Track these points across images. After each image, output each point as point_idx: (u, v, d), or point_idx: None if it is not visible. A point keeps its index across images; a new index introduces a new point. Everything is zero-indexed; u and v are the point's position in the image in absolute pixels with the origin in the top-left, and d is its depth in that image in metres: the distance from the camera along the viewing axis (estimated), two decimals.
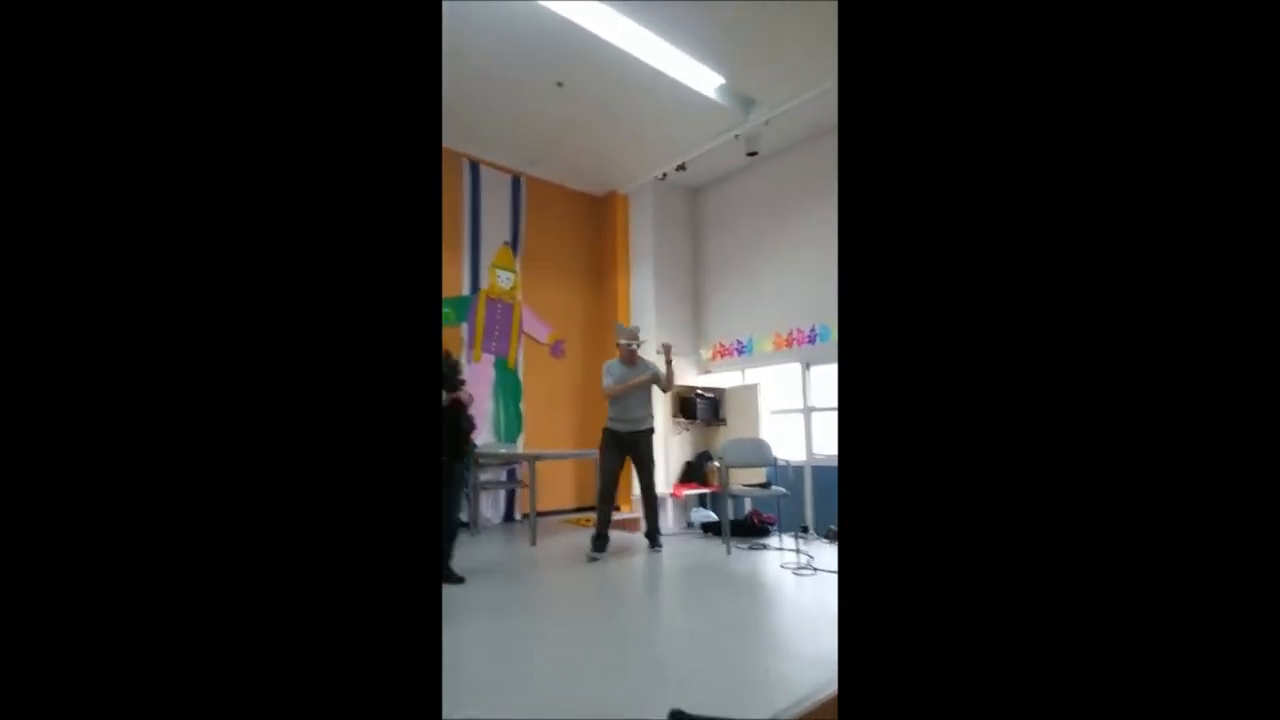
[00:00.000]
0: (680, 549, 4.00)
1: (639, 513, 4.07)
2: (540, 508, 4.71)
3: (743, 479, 4.48)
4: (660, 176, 5.50)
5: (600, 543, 3.64)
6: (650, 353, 4.27)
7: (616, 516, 4.49)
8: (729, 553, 3.82)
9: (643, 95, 4.29)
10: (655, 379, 3.79)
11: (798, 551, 3.77)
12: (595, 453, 4.77)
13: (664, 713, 1.47)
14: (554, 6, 3.40)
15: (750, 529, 4.39)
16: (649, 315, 5.71)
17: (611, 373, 3.77)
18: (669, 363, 3.77)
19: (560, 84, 4.19)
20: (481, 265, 5.23)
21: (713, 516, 4.93)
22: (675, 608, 2.86)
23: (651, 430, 3.81)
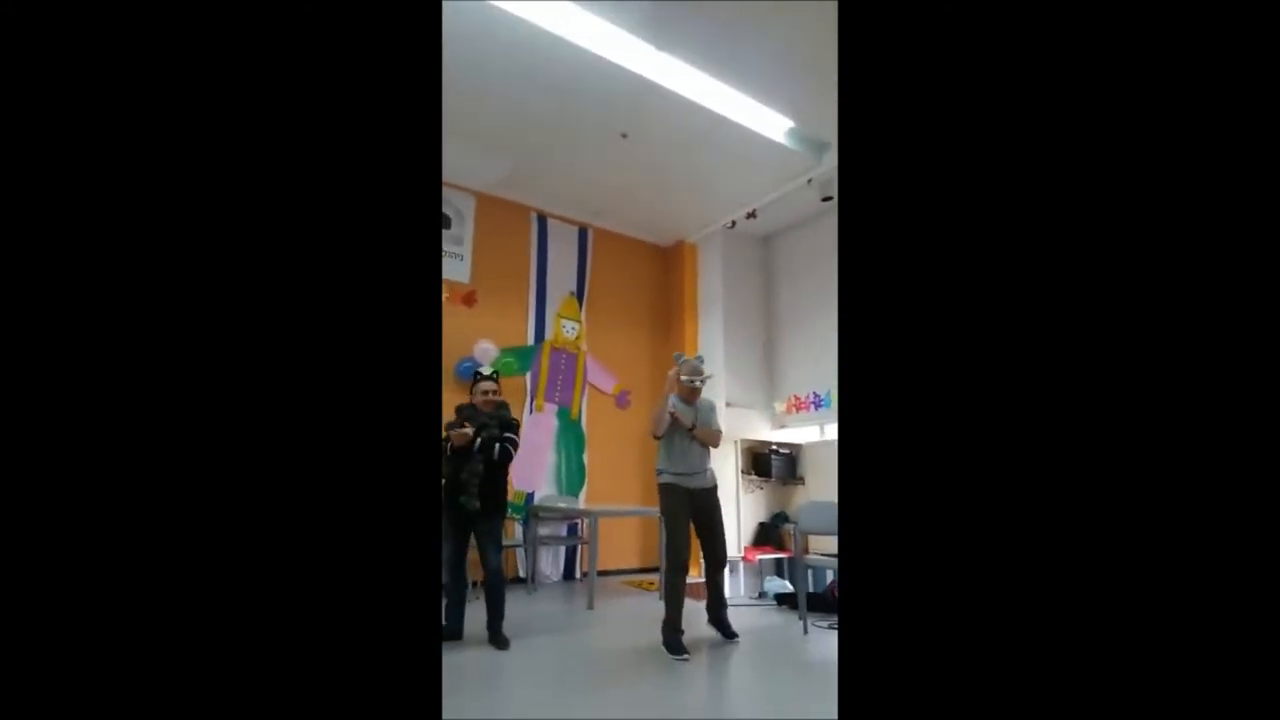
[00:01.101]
0: (751, 623, 3.62)
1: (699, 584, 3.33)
2: (601, 567, 4.46)
3: (822, 547, 4.07)
4: (729, 225, 5.38)
5: (678, 636, 2.84)
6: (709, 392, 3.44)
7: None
8: (805, 632, 3.41)
9: (710, 142, 4.22)
10: (698, 427, 3.06)
11: None
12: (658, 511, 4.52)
13: None
14: (616, 58, 3.41)
15: (830, 604, 3.92)
16: (718, 365, 5.49)
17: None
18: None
19: (625, 135, 4.19)
20: (547, 315, 5.22)
21: (788, 587, 4.48)
22: (745, 699, 2.52)
23: (716, 486, 3.15)
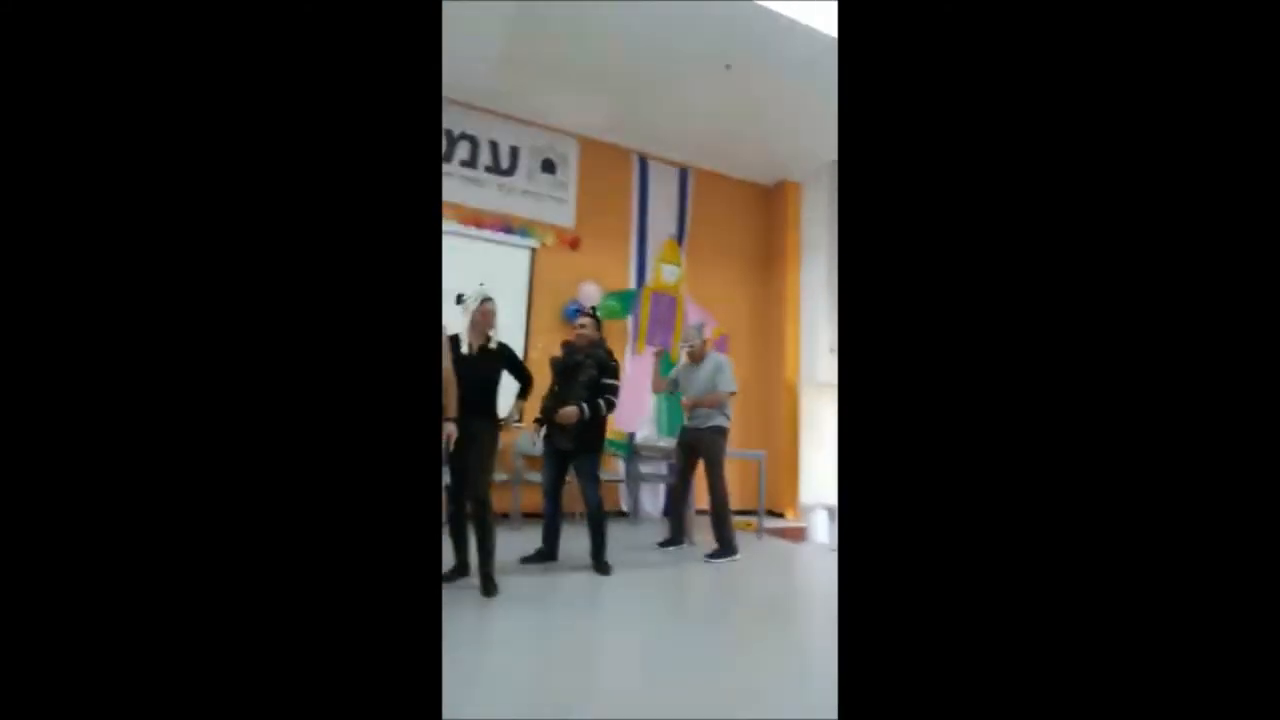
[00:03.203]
0: None
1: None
2: (700, 505, 4.59)
3: None
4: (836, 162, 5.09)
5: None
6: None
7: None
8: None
9: (818, 70, 3.96)
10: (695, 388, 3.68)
11: None
12: (762, 454, 4.59)
13: None
14: None
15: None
16: (821, 310, 5.32)
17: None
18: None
19: (729, 66, 4.03)
20: (648, 259, 5.26)
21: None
22: None
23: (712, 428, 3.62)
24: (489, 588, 2.55)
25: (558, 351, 3.33)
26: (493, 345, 2.81)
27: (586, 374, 3.04)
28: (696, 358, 3.66)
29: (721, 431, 3.58)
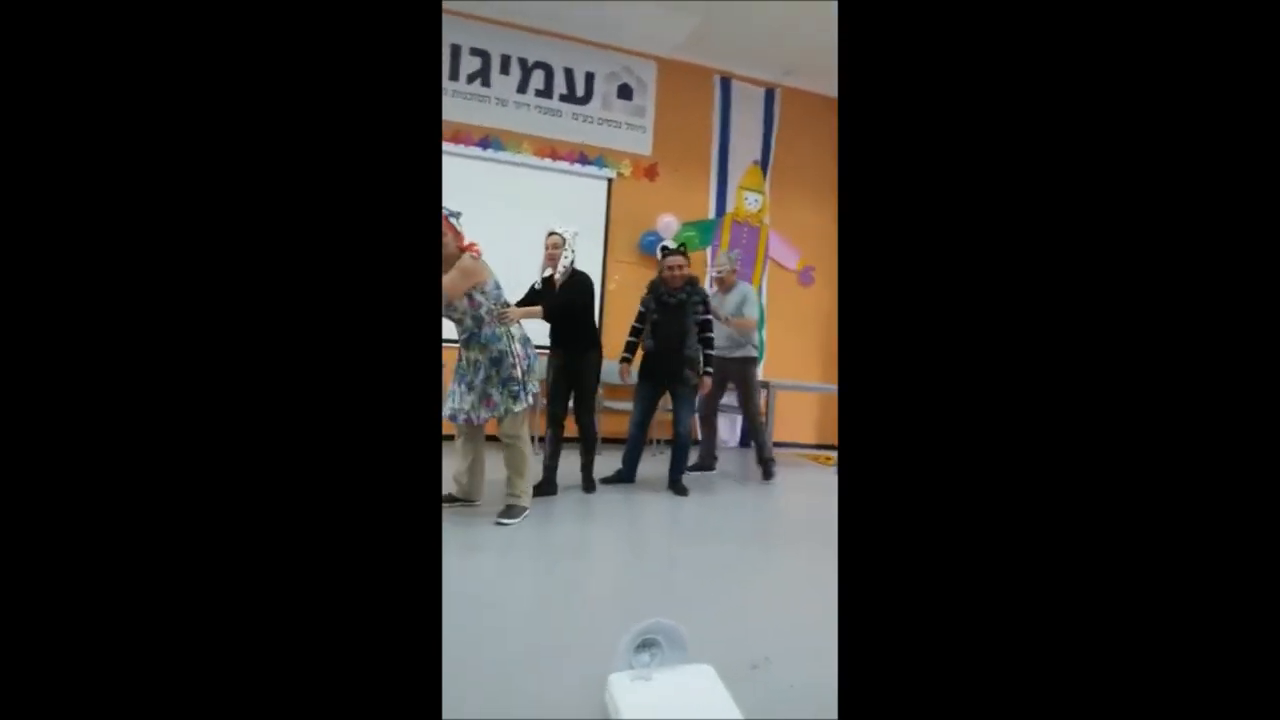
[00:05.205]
0: None
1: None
2: (778, 438, 4.57)
3: None
4: None
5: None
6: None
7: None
8: None
9: None
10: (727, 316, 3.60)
11: None
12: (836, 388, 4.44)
13: None
14: None
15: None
16: None
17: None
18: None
19: None
20: (729, 187, 5.07)
21: None
22: None
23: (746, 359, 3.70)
24: (590, 485, 3.10)
25: (635, 284, 3.35)
26: (558, 276, 2.93)
27: (694, 314, 3.09)
28: (726, 285, 3.67)
29: (753, 361, 3.71)
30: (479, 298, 2.40)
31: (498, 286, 2.48)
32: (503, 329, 2.45)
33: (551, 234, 2.94)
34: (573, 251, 2.93)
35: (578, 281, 2.94)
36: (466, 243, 2.41)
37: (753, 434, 3.84)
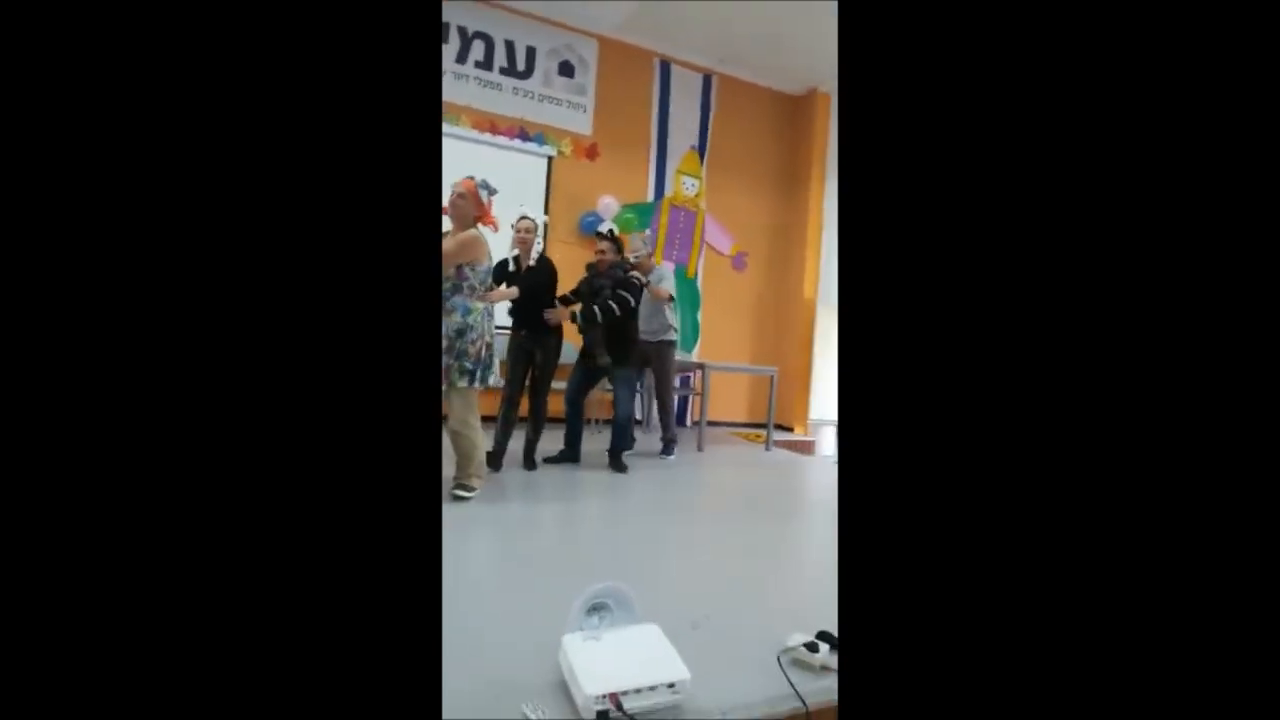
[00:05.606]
0: None
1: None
2: (712, 417, 4.75)
3: None
4: None
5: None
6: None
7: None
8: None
9: None
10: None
11: None
12: (773, 370, 4.64)
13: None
14: None
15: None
16: None
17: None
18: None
19: None
20: (668, 171, 5.15)
21: None
22: None
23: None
24: (531, 464, 3.17)
25: (574, 262, 3.40)
26: (532, 261, 3.00)
27: (602, 298, 3.13)
28: (645, 269, 3.59)
29: (670, 345, 3.87)
30: (467, 272, 2.40)
31: (489, 271, 2.50)
32: (477, 305, 2.44)
33: (523, 218, 3.00)
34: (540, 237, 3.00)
35: (544, 266, 3.03)
36: (489, 216, 2.47)
37: (660, 414, 3.95)
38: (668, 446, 3.84)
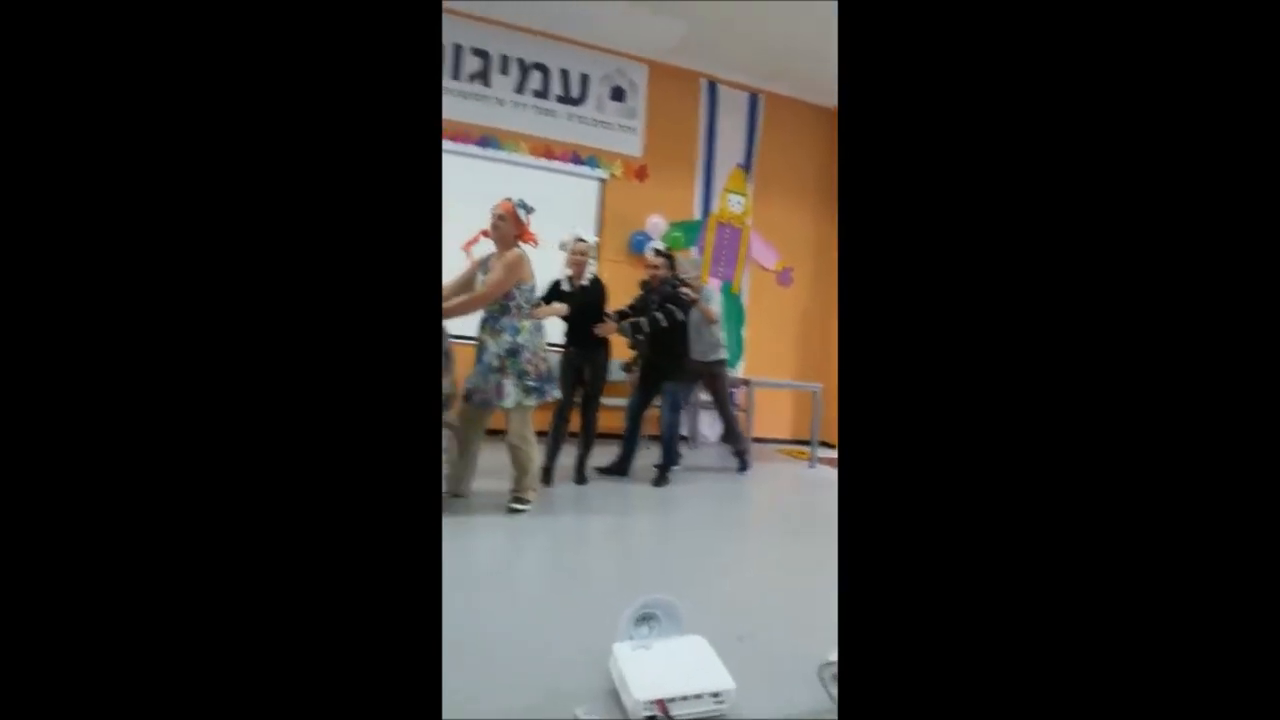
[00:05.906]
0: None
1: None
2: (756, 434, 4.78)
3: None
4: None
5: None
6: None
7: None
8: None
9: None
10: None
11: None
12: (818, 386, 4.65)
13: None
14: None
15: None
16: None
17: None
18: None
19: None
20: (714, 189, 5.24)
21: None
22: None
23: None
24: (582, 478, 3.26)
25: (623, 279, 3.54)
26: (586, 282, 3.16)
27: (650, 311, 3.27)
28: (695, 289, 3.69)
29: (722, 363, 3.94)
30: (514, 292, 2.51)
31: (533, 289, 2.62)
32: (525, 324, 2.53)
33: (580, 240, 3.16)
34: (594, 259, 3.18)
35: (595, 286, 3.19)
36: (529, 234, 2.59)
37: (728, 433, 4.07)
38: (742, 460, 3.95)
